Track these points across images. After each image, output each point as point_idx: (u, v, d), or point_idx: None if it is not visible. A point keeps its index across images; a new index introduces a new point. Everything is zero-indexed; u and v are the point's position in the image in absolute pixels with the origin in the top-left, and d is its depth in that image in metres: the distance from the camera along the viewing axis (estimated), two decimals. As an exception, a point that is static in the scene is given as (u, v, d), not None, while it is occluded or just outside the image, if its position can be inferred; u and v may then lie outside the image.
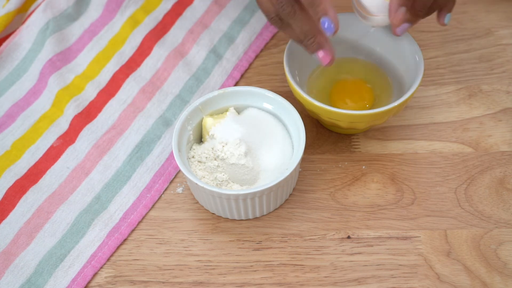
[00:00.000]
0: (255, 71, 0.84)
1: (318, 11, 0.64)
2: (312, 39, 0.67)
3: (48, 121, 0.79)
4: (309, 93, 0.76)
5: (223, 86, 0.82)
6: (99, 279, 0.68)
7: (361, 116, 0.69)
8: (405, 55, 0.74)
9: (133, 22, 0.87)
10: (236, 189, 0.70)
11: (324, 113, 0.70)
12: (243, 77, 0.84)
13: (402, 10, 0.67)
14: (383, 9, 0.68)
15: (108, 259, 0.70)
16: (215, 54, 0.85)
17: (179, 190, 0.74)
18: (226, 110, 0.74)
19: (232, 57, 0.85)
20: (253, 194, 0.67)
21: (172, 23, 0.88)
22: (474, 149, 0.76)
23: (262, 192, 0.67)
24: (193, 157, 0.72)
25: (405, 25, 0.69)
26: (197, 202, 0.73)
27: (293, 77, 0.72)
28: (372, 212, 0.72)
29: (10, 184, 0.74)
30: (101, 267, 0.69)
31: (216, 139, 0.71)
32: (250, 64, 0.85)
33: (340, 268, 0.68)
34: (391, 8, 0.67)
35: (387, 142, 0.77)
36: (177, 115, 0.80)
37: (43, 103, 0.81)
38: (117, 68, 0.84)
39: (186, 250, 0.70)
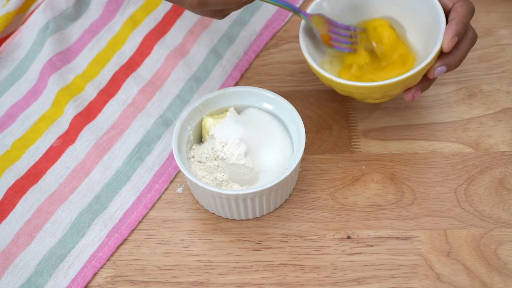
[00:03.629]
0: (255, 71, 0.84)
1: None
2: None
3: (48, 121, 0.79)
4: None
5: (223, 86, 0.82)
6: (99, 279, 0.68)
7: (373, 87, 0.68)
8: (422, 21, 0.72)
9: (133, 22, 0.87)
10: (236, 189, 0.70)
11: (338, 86, 0.70)
12: (243, 77, 0.84)
13: (456, 39, 0.67)
14: None
15: (108, 259, 0.70)
16: (215, 54, 0.85)
17: (179, 190, 0.74)
18: (226, 110, 0.74)
19: (232, 57, 0.85)
20: (253, 194, 0.67)
21: (172, 23, 0.88)
22: (474, 149, 0.76)
23: (262, 192, 0.67)
24: (193, 157, 0.72)
25: (443, 68, 0.69)
26: (197, 202, 0.73)
27: (308, 49, 0.71)
28: (372, 212, 0.72)
29: (10, 184, 0.74)
30: (101, 267, 0.69)
31: (216, 139, 0.70)
32: (250, 64, 0.85)
33: (340, 268, 0.68)
34: (447, 33, 0.67)
35: (387, 142, 0.77)
36: (177, 115, 0.80)
37: (43, 103, 0.81)
38: (117, 68, 0.84)
39: (186, 250, 0.70)
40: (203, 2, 0.63)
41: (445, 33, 0.67)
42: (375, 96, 0.71)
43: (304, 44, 0.72)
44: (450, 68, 0.69)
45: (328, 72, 0.71)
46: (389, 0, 0.75)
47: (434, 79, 0.71)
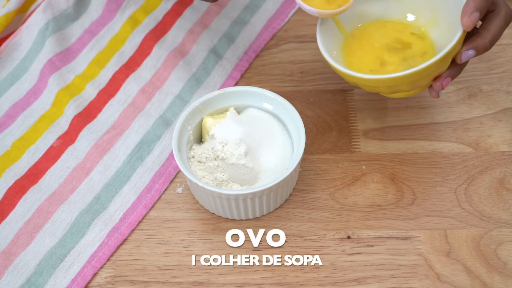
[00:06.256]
0: (255, 71, 0.84)
1: None
2: None
3: (48, 121, 0.79)
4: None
5: (223, 86, 0.82)
6: (99, 279, 0.68)
7: (399, 78, 0.63)
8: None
9: (133, 22, 0.87)
10: (236, 189, 0.70)
11: (362, 81, 0.66)
12: (243, 77, 0.84)
13: (476, 14, 0.61)
14: None
15: (108, 259, 0.70)
16: (215, 54, 0.85)
17: (179, 190, 0.74)
18: (226, 110, 0.74)
19: (232, 57, 0.85)
20: (253, 194, 0.67)
21: (172, 23, 0.88)
22: (474, 149, 0.76)
23: (262, 192, 0.67)
24: (193, 157, 0.72)
25: (471, 52, 0.63)
26: (197, 202, 0.73)
27: (327, 50, 0.68)
28: (372, 212, 0.72)
29: (10, 184, 0.74)
30: (101, 267, 0.69)
31: (216, 139, 0.71)
32: (250, 64, 0.85)
33: (340, 268, 0.68)
34: (465, 10, 0.61)
35: (387, 142, 0.77)
36: (177, 115, 0.80)
37: (43, 103, 0.81)
38: (117, 68, 0.84)
39: (186, 250, 0.70)
40: None
41: (462, 11, 0.61)
42: (403, 88, 0.65)
43: (322, 44, 0.68)
44: (480, 51, 0.63)
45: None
46: None
47: (463, 65, 0.64)
